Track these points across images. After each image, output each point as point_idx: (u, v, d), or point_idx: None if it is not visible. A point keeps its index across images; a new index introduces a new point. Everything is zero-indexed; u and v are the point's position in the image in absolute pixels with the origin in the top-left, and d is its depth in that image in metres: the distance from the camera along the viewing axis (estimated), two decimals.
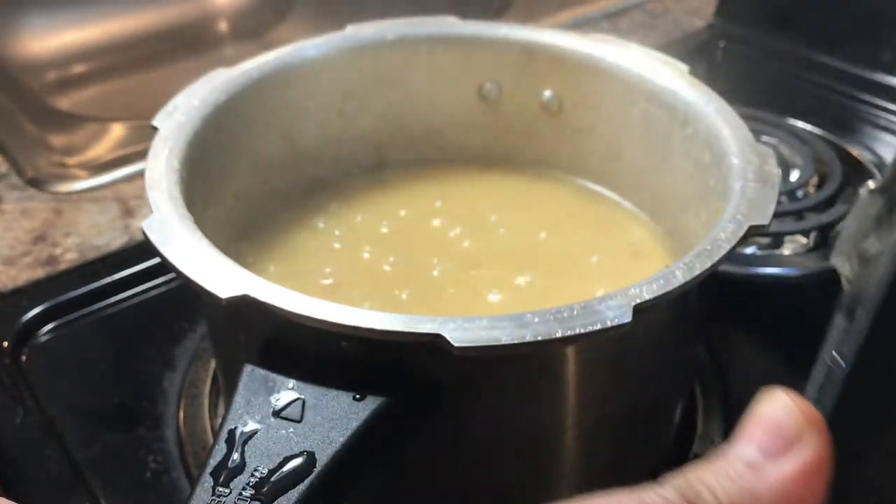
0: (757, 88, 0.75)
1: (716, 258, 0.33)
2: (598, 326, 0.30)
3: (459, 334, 0.29)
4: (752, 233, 0.35)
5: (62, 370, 0.51)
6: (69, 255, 0.58)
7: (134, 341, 0.53)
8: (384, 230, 0.49)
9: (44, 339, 0.52)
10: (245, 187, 0.48)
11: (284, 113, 0.48)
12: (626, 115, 0.48)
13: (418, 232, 0.49)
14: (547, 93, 0.51)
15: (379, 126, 0.52)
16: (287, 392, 0.30)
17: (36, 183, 0.65)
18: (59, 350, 0.52)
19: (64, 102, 0.92)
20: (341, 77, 0.50)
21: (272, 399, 0.30)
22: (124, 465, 0.45)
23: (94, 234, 0.60)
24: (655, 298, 0.31)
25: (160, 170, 0.38)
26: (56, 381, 0.50)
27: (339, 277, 0.45)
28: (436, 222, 0.49)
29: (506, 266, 0.46)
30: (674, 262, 0.47)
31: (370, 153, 0.52)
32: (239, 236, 0.47)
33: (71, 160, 0.70)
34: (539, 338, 0.29)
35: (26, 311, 0.53)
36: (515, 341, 0.29)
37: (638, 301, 0.31)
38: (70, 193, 0.64)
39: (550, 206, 0.51)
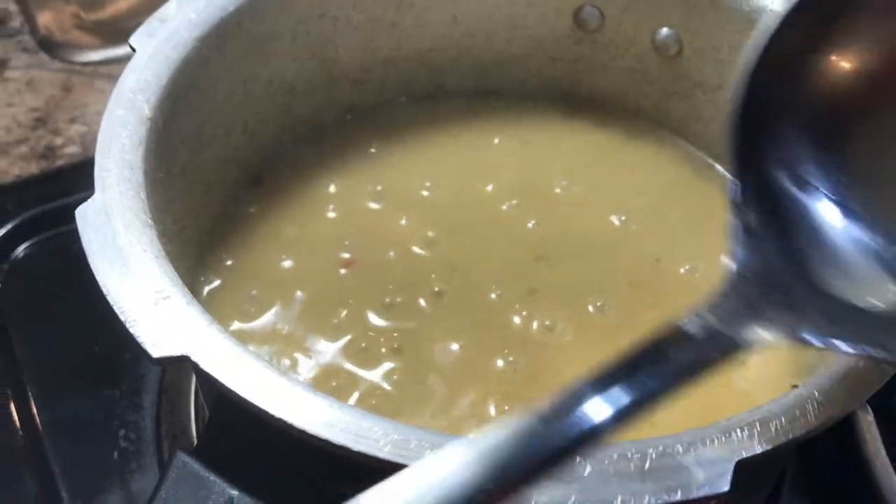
0: None
1: (875, 385, 0.22)
2: (678, 496, 0.20)
3: None
4: None
5: (39, 300, 0.43)
6: (70, 149, 0.49)
7: None
8: (428, 192, 0.38)
9: (22, 254, 0.44)
10: (259, 118, 0.37)
11: (318, 25, 0.37)
12: None
13: (472, 197, 0.38)
14: (664, 30, 0.38)
15: (440, 45, 0.40)
16: None
17: (48, 45, 0.55)
18: (38, 272, 0.43)
19: None
20: None
21: None
22: (90, 437, 0.38)
23: None
24: (773, 451, 0.21)
25: (119, 120, 0.28)
26: (30, 313, 0.42)
27: (359, 254, 0.36)
28: (493, 185, 0.39)
29: (576, 264, 0.36)
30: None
31: (425, 78, 0.41)
32: (247, 179, 0.38)
33: (93, 16, 0.60)
34: None
35: (8, 220, 0.45)
36: None
37: (744, 455, 0.21)
38: (85, 64, 0.54)
39: (646, 176, 0.40)
